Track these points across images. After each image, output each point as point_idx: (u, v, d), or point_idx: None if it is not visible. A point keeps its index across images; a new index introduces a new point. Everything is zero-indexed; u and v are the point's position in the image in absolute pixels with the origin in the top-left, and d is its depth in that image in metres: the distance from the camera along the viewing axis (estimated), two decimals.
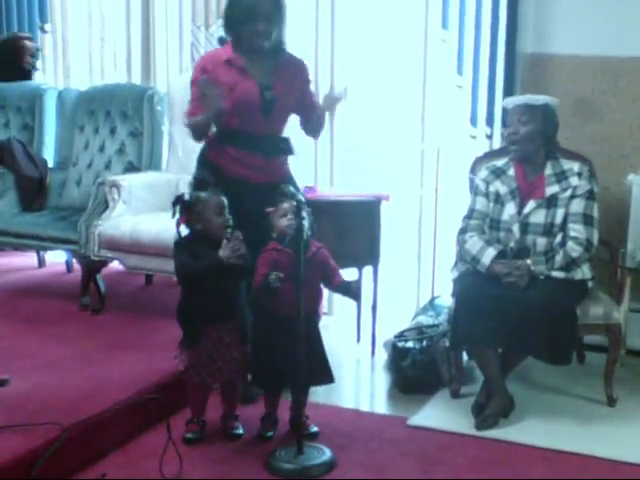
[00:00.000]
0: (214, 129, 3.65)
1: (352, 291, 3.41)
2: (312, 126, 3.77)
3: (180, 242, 3.33)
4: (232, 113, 3.51)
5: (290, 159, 3.78)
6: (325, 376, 3.45)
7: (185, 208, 3.31)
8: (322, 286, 3.49)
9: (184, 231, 3.35)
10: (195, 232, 3.33)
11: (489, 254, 3.75)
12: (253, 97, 3.55)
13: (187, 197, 3.33)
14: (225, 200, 3.30)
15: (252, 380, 3.47)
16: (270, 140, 3.62)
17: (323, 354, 3.44)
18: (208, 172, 3.47)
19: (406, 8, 4.89)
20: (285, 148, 3.67)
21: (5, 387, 3.51)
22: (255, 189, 3.48)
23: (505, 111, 4.04)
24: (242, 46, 3.56)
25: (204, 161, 3.69)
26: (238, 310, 3.36)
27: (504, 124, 4.31)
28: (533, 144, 3.80)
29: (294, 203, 3.25)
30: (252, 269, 3.30)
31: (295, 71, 3.69)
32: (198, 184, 3.35)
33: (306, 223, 3.28)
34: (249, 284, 3.33)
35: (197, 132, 3.61)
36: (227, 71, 3.54)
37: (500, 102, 4.41)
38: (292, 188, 3.27)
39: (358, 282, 3.46)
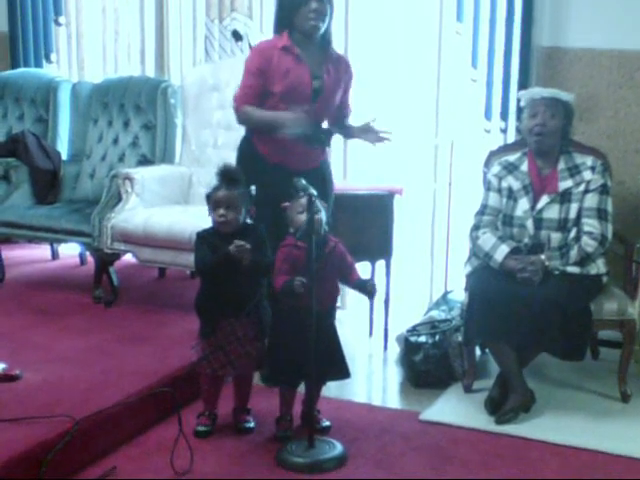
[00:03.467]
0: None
1: (368, 290, 3.40)
2: (348, 126, 3.87)
3: (200, 234, 3.36)
4: (282, 98, 3.61)
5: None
6: (341, 371, 3.44)
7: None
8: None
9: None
10: None
11: (502, 251, 3.73)
12: (305, 84, 3.64)
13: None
14: (226, 195, 3.27)
15: (268, 376, 3.46)
16: (313, 129, 3.67)
17: (339, 349, 3.43)
18: (253, 162, 3.59)
19: (421, 1, 4.86)
20: (325, 139, 3.76)
21: (17, 382, 3.52)
22: (295, 176, 3.44)
23: (519, 103, 4.02)
24: (296, 34, 3.65)
25: (247, 150, 3.76)
26: (254, 305, 3.34)
27: (518, 118, 4.29)
28: (555, 139, 3.80)
29: (306, 197, 3.22)
30: (269, 265, 3.30)
31: (343, 69, 3.80)
32: (218, 177, 3.34)
33: (323, 218, 3.28)
34: (270, 279, 3.33)
35: (249, 123, 3.72)
36: (283, 57, 3.63)
37: (515, 96, 4.38)
38: (304, 181, 3.24)
39: (372, 281, 3.46)
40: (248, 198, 3.32)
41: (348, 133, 3.92)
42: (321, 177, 3.72)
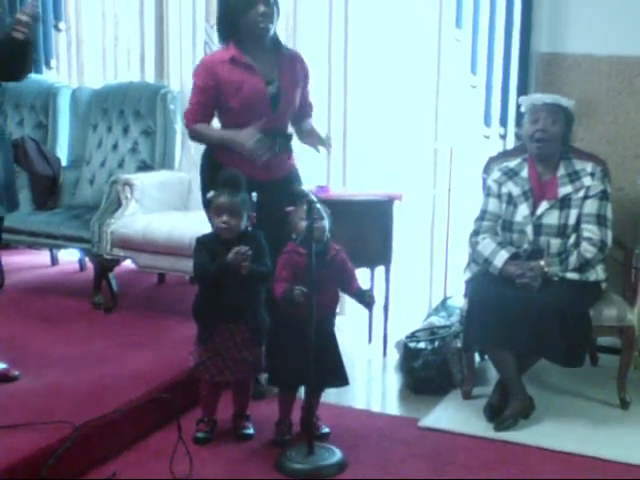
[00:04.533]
0: (218, 126, 3.72)
1: (366, 301, 3.41)
2: (301, 127, 3.76)
3: (200, 239, 3.36)
4: (241, 112, 3.55)
5: (298, 157, 3.82)
6: (340, 379, 3.45)
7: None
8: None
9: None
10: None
11: (501, 257, 3.73)
12: (261, 93, 3.57)
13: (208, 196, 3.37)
14: (229, 202, 3.27)
15: (268, 379, 3.47)
16: (277, 136, 3.62)
17: (338, 356, 3.43)
18: (214, 172, 3.47)
19: (420, 7, 4.87)
20: (283, 145, 3.66)
21: (15, 383, 3.54)
22: (260, 187, 3.44)
23: (519, 109, 4.03)
24: (245, 40, 3.57)
25: (209, 161, 3.71)
26: (252, 312, 3.36)
27: (518, 124, 4.29)
28: (556, 145, 3.81)
29: (306, 203, 3.22)
30: (268, 274, 3.31)
31: (298, 66, 3.71)
32: (220, 183, 3.35)
33: (327, 225, 3.29)
34: (269, 286, 3.34)
35: (202, 141, 3.71)
36: (232, 70, 3.55)
37: (514, 102, 4.39)
38: (304, 188, 3.25)
39: (371, 292, 3.46)
40: (249, 204, 3.33)
41: (302, 136, 3.78)
42: (290, 185, 3.55)
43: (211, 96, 3.58)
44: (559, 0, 4.39)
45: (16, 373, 3.58)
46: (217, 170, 3.48)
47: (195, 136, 3.72)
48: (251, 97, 3.54)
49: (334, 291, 3.42)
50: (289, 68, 3.65)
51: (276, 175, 3.62)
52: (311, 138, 3.71)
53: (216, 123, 3.78)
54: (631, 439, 3.52)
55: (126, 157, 5.16)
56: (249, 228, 3.36)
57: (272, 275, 3.31)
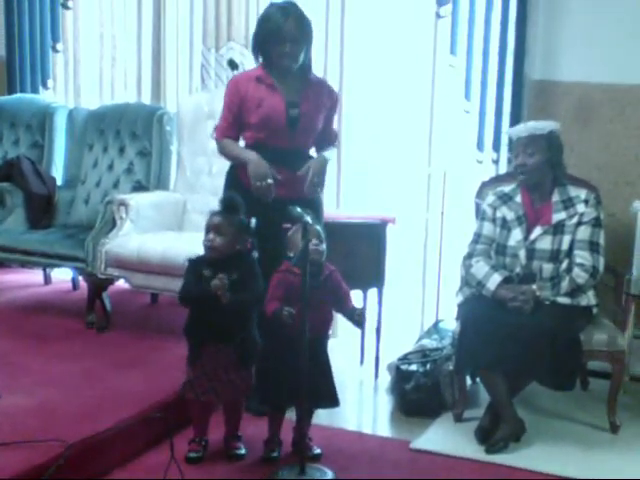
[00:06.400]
0: (242, 144, 3.79)
1: (356, 319, 3.41)
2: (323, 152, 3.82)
3: (192, 260, 3.38)
4: (259, 127, 3.65)
5: None
6: (331, 400, 3.45)
7: None
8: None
9: None
10: None
11: (494, 280, 3.76)
12: (279, 112, 3.65)
13: None
14: (216, 220, 3.31)
15: (259, 399, 3.48)
16: (296, 155, 3.70)
17: (330, 377, 3.44)
18: (235, 191, 3.55)
19: (415, 34, 4.93)
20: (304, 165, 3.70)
21: (7, 401, 3.50)
22: (279, 204, 3.47)
23: (511, 139, 4.07)
24: (272, 65, 3.68)
25: (232, 179, 3.79)
26: (242, 334, 3.35)
27: (510, 149, 4.33)
28: (541, 173, 3.82)
29: (301, 225, 3.24)
30: (254, 300, 3.32)
31: (323, 93, 3.80)
32: (222, 205, 3.38)
33: (324, 247, 3.31)
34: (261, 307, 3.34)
35: (226, 156, 3.82)
36: (257, 87, 3.67)
37: (507, 127, 4.43)
38: (299, 209, 3.27)
39: (363, 311, 3.47)
40: (245, 229, 3.34)
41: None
42: (310, 207, 3.54)
43: (236, 111, 3.70)
44: (552, 28, 4.46)
45: None
46: (239, 189, 3.59)
47: (221, 150, 3.82)
48: (269, 114, 3.64)
49: (327, 312, 3.44)
50: (314, 94, 3.74)
51: (297, 194, 3.63)
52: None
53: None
54: (621, 463, 3.53)
55: (121, 177, 5.18)
56: (254, 252, 3.38)
57: (259, 300, 3.31)
